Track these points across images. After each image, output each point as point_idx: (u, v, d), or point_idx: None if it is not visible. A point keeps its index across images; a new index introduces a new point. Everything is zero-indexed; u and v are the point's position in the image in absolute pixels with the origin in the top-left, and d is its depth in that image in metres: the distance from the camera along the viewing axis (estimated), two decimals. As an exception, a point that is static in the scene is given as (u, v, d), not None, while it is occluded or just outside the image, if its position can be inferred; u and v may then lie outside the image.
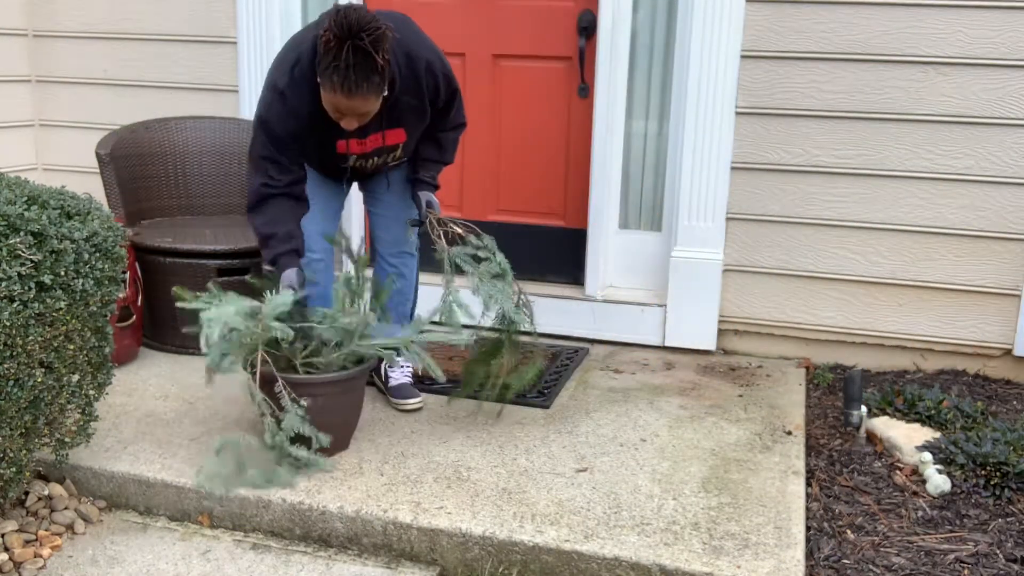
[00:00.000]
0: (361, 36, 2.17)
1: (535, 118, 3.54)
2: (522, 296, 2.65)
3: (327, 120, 2.40)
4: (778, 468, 2.45)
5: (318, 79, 2.29)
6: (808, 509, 2.33)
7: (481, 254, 2.60)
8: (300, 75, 2.37)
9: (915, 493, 2.42)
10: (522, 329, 2.63)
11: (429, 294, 3.55)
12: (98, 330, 2.21)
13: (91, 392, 2.27)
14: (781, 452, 2.56)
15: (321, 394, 2.37)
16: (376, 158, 2.59)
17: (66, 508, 2.30)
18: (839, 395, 3.02)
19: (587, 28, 3.37)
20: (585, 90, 3.44)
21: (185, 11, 3.72)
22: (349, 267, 3.72)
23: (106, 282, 2.18)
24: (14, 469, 2.09)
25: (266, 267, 2.51)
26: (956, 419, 2.72)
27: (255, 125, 2.46)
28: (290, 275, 2.46)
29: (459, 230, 2.64)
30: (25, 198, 2.04)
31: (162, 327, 3.23)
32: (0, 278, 1.89)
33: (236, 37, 3.64)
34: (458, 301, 2.55)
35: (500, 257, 2.61)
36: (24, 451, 2.10)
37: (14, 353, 1.95)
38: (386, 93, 2.35)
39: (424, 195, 2.69)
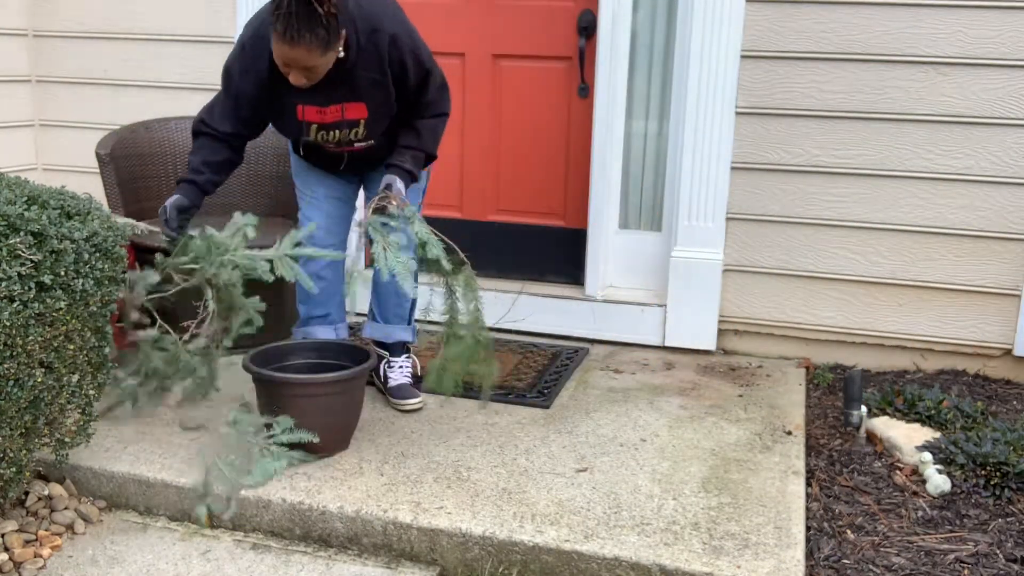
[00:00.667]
0: None
1: (535, 118, 3.54)
2: (472, 289, 2.52)
3: (286, 82, 2.40)
4: (778, 468, 2.45)
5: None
6: (808, 509, 2.33)
7: (394, 223, 2.45)
8: (263, 31, 2.39)
9: (915, 493, 2.42)
10: (462, 321, 2.51)
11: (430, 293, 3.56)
12: (98, 330, 2.21)
13: (91, 392, 2.27)
14: (781, 452, 2.56)
15: (321, 394, 2.37)
16: (337, 132, 2.55)
17: (66, 508, 2.30)
18: (839, 395, 3.02)
19: (587, 28, 3.37)
20: (585, 90, 3.44)
21: (185, 11, 3.72)
22: (350, 266, 3.72)
23: (106, 282, 2.18)
24: (14, 469, 2.09)
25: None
26: (956, 419, 2.72)
27: (221, 76, 2.53)
28: (169, 200, 2.49)
29: (393, 206, 2.47)
30: (25, 198, 2.04)
31: (162, 327, 3.23)
32: (0, 278, 1.88)
33: (235, 37, 3.63)
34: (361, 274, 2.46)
35: (418, 227, 2.45)
36: (24, 451, 2.10)
37: (14, 353, 1.95)
38: (341, 55, 2.34)
39: (388, 177, 2.59)
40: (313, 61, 2.29)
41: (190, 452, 2.45)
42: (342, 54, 2.36)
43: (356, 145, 2.61)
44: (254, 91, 2.47)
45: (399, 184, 2.55)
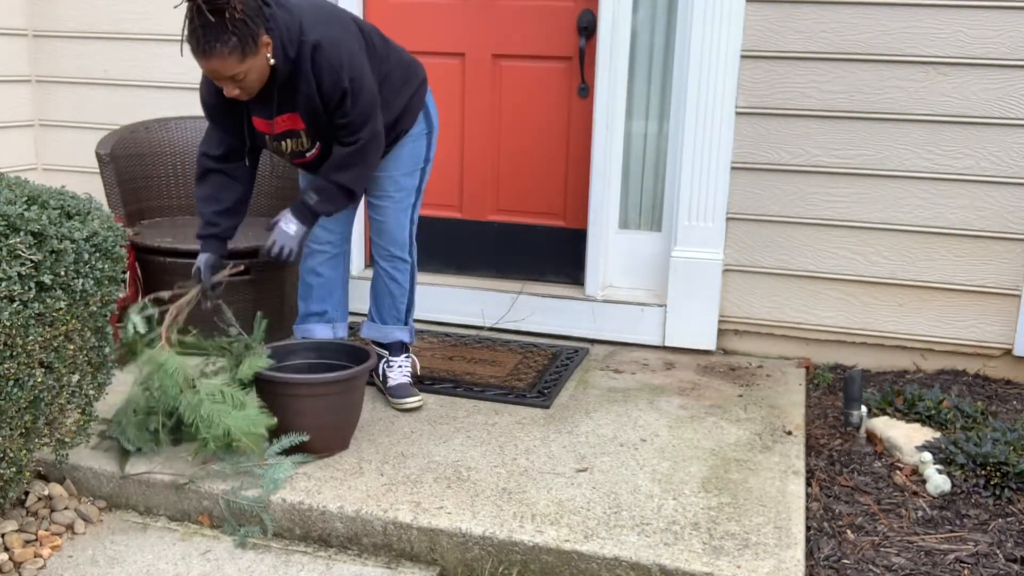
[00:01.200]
0: None
1: (535, 118, 3.54)
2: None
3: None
4: (778, 468, 2.45)
5: None
6: (808, 509, 2.33)
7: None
8: None
9: (915, 493, 2.42)
10: None
11: (430, 293, 3.56)
12: (98, 330, 2.21)
13: (91, 392, 2.27)
14: (781, 452, 2.56)
15: (321, 394, 2.37)
16: (287, 141, 2.54)
17: (66, 508, 2.30)
18: (839, 395, 3.02)
19: (587, 28, 3.37)
20: (585, 90, 3.44)
21: (184, 10, 3.71)
22: (350, 266, 3.73)
23: (106, 282, 2.18)
24: (14, 469, 2.09)
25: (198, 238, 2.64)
26: (956, 419, 2.72)
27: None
28: (200, 260, 2.58)
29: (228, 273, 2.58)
30: (25, 198, 2.04)
31: (162, 327, 3.23)
32: (0, 278, 1.88)
33: (236, 37, 3.63)
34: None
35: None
36: (24, 451, 2.10)
37: (14, 353, 1.95)
38: (272, 62, 2.32)
39: (281, 214, 2.53)
40: (234, 69, 2.27)
41: (190, 452, 2.44)
42: (272, 61, 2.34)
43: (307, 155, 2.58)
44: (222, 104, 2.48)
45: (284, 226, 2.50)
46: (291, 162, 2.65)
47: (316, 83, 2.39)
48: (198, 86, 3.80)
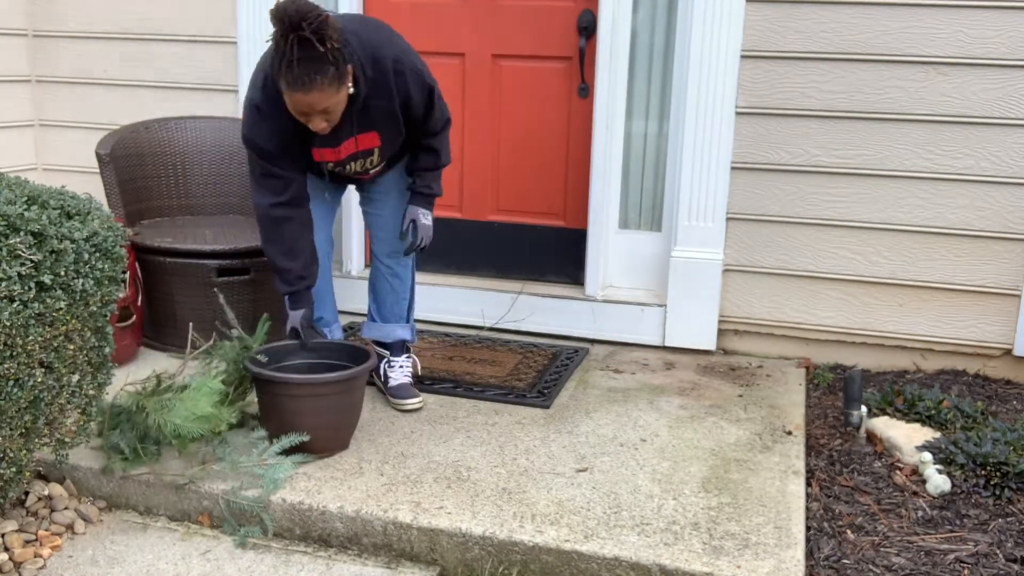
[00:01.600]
0: (301, 26, 2.11)
1: (535, 118, 3.54)
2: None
3: (302, 129, 2.39)
4: (778, 468, 2.45)
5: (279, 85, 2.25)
6: (808, 509, 2.33)
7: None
8: (272, 89, 2.34)
9: (915, 493, 2.42)
10: None
11: (430, 293, 3.56)
12: (98, 330, 2.21)
13: (91, 392, 2.26)
14: (781, 452, 2.56)
15: (321, 394, 2.37)
16: (352, 163, 2.56)
17: (66, 508, 2.30)
18: (839, 395, 3.02)
19: (587, 28, 3.37)
20: (585, 90, 3.44)
21: (184, 11, 3.72)
22: (351, 266, 3.73)
23: (106, 282, 2.18)
24: (14, 469, 2.09)
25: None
26: (956, 419, 2.72)
27: (246, 147, 2.47)
28: (294, 322, 2.62)
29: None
30: (25, 198, 2.04)
31: (162, 327, 3.23)
32: (0, 278, 1.88)
33: (236, 37, 3.64)
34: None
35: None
36: (24, 451, 2.10)
37: (14, 353, 1.94)
38: (352, 90, 2.32)
39: (411, 211, 2.67)
40: (330, 101, 2.25)
41: (190, 451, 2.44)
42: (352, 89, 2.33)
43: (370, 172, 2.64)
44: (282, 144, 2.44)
45: (424, 220, 2.66)
46: (345, 178, 2.69)
47: (403, 95, 2.44)
48: (199, 86, 3.81)
